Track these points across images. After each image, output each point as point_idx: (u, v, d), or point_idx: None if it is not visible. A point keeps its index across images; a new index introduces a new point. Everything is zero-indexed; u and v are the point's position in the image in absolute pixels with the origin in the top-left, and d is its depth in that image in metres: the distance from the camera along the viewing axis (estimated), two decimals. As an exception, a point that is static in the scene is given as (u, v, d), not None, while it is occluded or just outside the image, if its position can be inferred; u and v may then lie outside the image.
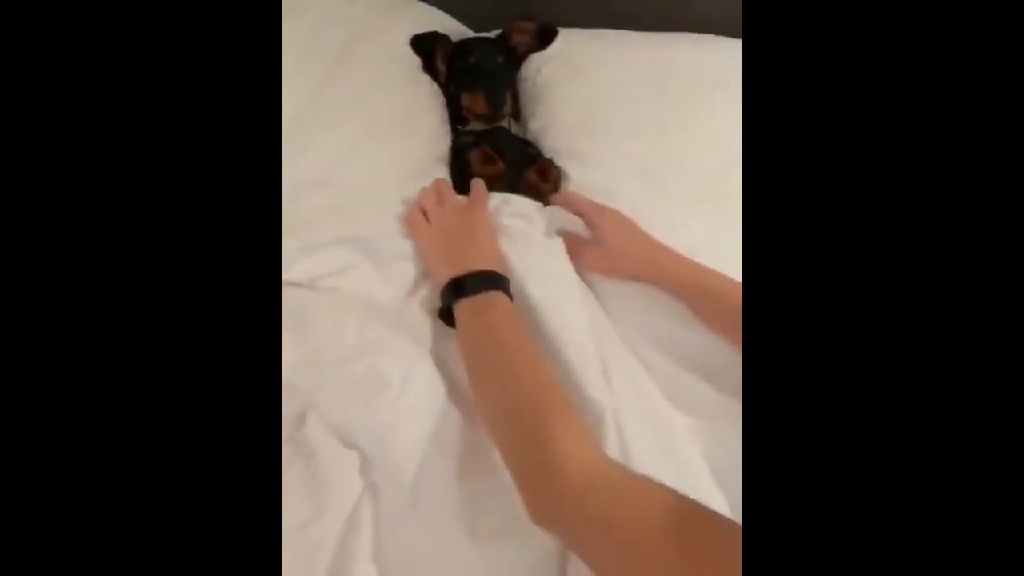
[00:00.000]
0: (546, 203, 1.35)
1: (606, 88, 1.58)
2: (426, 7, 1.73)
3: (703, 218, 1.38)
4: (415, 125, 1.46)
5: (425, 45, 1.59)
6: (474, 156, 1.47)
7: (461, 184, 1.33)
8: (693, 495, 0.73)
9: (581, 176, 1.46)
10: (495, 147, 1.50)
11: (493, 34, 1.69)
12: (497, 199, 1.30)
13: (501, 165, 1.44)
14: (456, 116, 1.61)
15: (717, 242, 1.23)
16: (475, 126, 1.59)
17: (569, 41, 1.67)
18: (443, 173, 1.44)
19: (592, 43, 1.68)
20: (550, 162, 1.50)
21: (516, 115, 1.65)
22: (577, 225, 1.29)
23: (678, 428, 1.11)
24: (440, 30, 1.64)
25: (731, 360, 1.12)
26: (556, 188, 1.47)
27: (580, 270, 1.24)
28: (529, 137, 1.61)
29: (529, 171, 1.46)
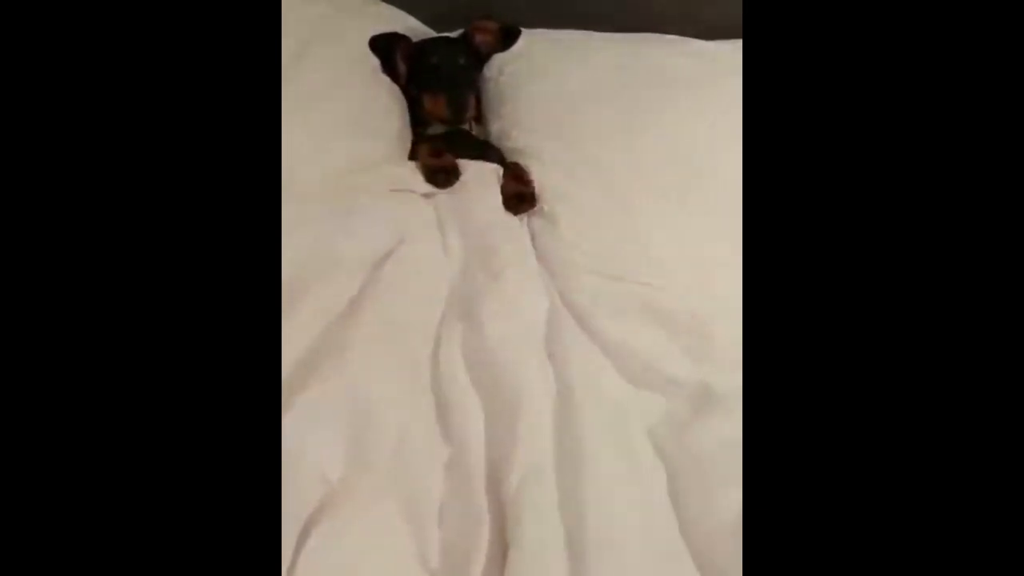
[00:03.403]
0: (531, 205, 1.38)
1: (570, 89, 1.59)
2: (387, 7, 1.74)
3: (666, 229, 1.40)
4: (375, 128, 1.48)
5: (384, 45, 1.60)
6: (423, 149, 1.48)
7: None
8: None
9: (540, 176, 1.47)
10: (454, 148, 1.51)
11: (456, 34, 1.71)
12: None
13: (451, 158, 1.45)
14: (418, 119, 1.62)
15: (680, 255, 1.25)
16: (436, 129, 1.60)
17: (532, 41, 1.69)
18: (405, 176, 1.45)
19: (556, 44, 1.70)
20: (517, 165, 1.51)
21: (478, 118, 1.67)
22: None
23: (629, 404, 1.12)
24: (402, 30, 1.66)
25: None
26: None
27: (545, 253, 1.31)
28: (492, 140, 1.63)
29: (505, 180, 1.47)
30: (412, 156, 1.52)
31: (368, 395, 0.99)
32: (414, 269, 1.25)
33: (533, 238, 1.39)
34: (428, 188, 1.43)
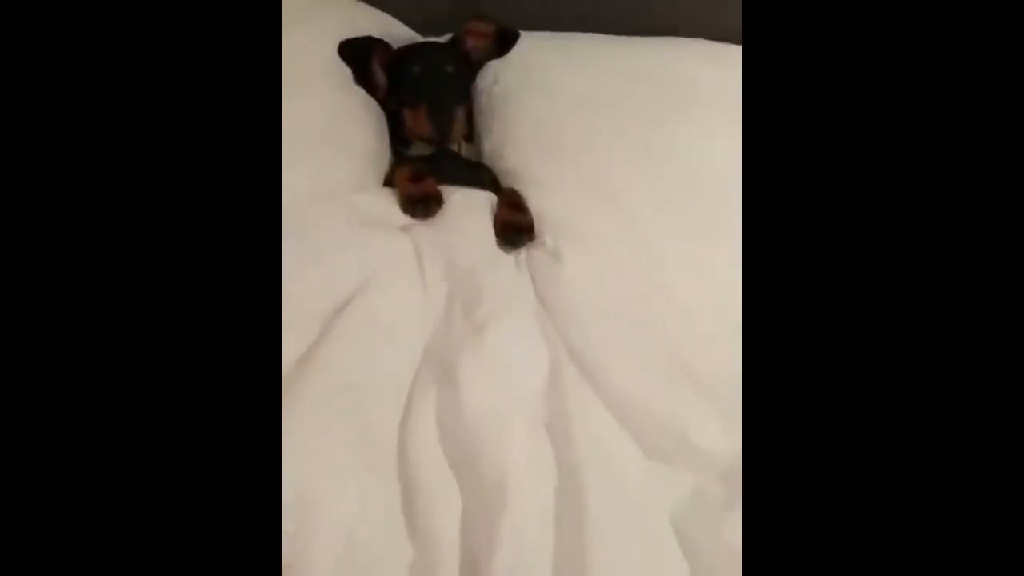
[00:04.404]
0: (529, 238, 1.26)
1: (574, 101, 1.42)
2: (365, 7, 1.57)
3: (692, 267, 1.26)
4: (341, 148, 1.32)
5: (357, 52, 1.43)
6: (400, 173, 1.33)
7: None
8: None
9: (540, 205, 1.33)
10: (439, 173, 1.35)
11: (445, 39, 1.55)
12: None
13: (432, 184, 1.30)
14: (399, 138, 1.46)
15: (698, 281, 1.15)
16: (420, 149, 1.44)
17: (532, 45, 1.51)
18: (377, 205, 1.30)
19: (559, 48, 1.52)
20: (513, 191, 1.36)
21: (469, 135, 1.50)
22: None
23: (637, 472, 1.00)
24: (383, 35, 1.50)
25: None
26: None
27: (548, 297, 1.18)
28: (485, 161, 1.46)
29: (498, 208, 1.32)
30: (388, 181, 1.37)
31: (311, 481, 0.86)
32: (381, 319, 1.10)
33: (533, 278, 1.24)
34: (405, 219, 1.27)
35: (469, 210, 1.31)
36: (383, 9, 1.58)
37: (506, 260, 1.26)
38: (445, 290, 1.17)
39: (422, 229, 1.25)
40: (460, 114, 1.42)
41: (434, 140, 1.41)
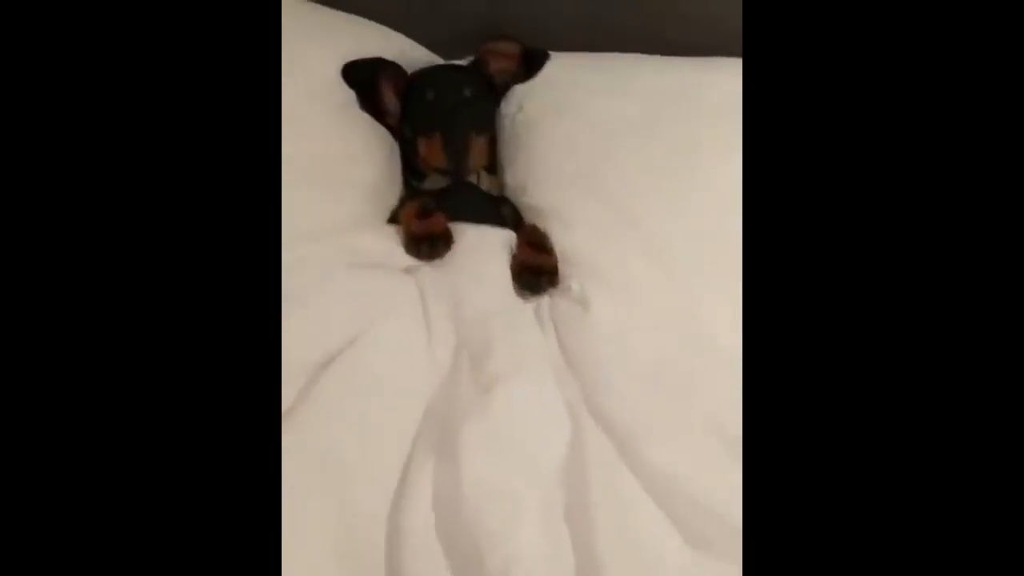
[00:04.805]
0: (552, 283, 1.16)
1: (607, 129, 1.30)
2: (374, 26, 1.46)
3: (719, 300, 1.15)
4: (339, 180, 1.21)
5: (363, 75, 1.33)
6: (407, 208, 1.23)
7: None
8: None
9: (566, 245, 1.22)
10: (453, 208, 1.23)
11: (466, 61, 1.44)
12: None
13: (442, 221, 1.19)
14: (413, 170, 1.36)
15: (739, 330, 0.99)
16: (435, 182, 1.34)
17: (562, 67, 1.40)
18: (376, 245, 1.19)
19: (591, 70, 1.40)
20: (535, 229, 1.25)
21: (492, 167, 1.38)
22: None
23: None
24: (397, 57, 1.40)
25: None
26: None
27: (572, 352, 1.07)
28: (509, 195, 1.35)
29: (517, 248, 1.21)
30: (394, 218, 1.26)
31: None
32: (376, 375, 0.97)
33: (556, 329, 1.12)
34: (410, 261, 1.16)
35: (484, 250, 1.19)
36: (398, 30, 1.47)
37: (524, 309, 1.14)
38: (452, 342, 1.05)
39: (429, 272, 1.14)
40: (479, 143, 1.31)
41: (450, 172, 1.30)
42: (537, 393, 0.98)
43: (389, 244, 1.17)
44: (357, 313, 1.02)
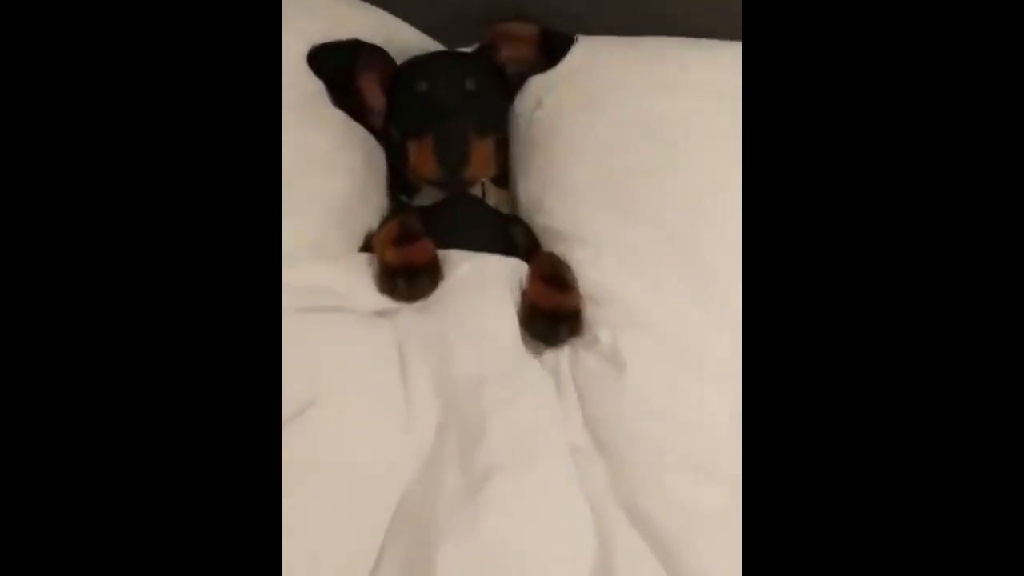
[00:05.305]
0: (574, 331, 0.95)
1: (646, 130, 1.08)
2: (364, 6, 1.26)
3: None
4: (298, 196, 0.98)
5: (337, 63, 1.12)
6: (385, 231, 1.02)
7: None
8: None
9: (595, 279, 1.00)
10: (448, 231, 1.02)
11: (471, 48, 1.24)
12: None
13: (429, 248, 0.98)
14: (402, 181, 1.16)
15: None
16: (429, 195, 1.12)
17: (587, 54, 1.18)
18: (340, 279, 0.96)
19: (622, 57, 1.18)
20: (553, 258, 1.03)
21: (503, 178, 1.17)
22: None
23: None
24: (386, 43, 1.19)
25: None
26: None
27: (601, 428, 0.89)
28: (521, 213, 1.15)
29: (530, 280, 0.99)
30: (368, 244, 1.05)
31: None
32: (329, 463, 0.76)
33: (580, 395, 0.91)
34: (385, 302, 0.94)
35: (483, 287, 0.98)
36: (386, 8, 1.27)
37: (534, 367, 0.92)
38: (435, 415, 0.82)
39: (410, 317, 0.92)
40: (483, 147, 1.09)
41: (444, 183, 1.08)
42: (549, 491, 0.77)
43: (358, 279, 0.94)
44: (308, 376, 0.79)
